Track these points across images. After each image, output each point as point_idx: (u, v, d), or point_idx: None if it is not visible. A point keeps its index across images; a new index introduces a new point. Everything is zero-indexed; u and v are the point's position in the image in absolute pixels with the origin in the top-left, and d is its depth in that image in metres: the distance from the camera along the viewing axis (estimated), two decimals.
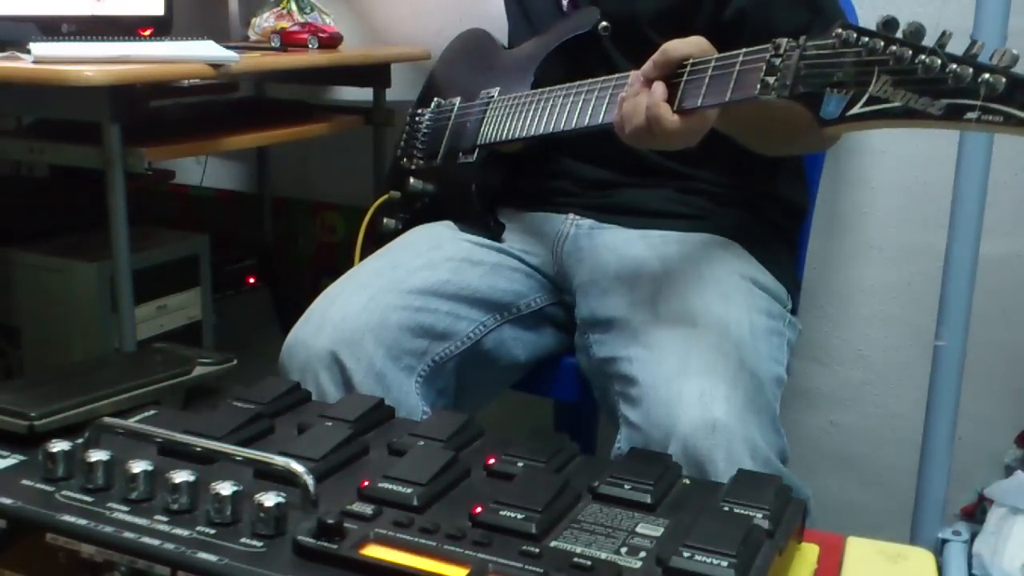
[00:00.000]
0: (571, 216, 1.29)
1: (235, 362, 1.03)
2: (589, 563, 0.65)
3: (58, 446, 0.76)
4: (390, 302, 1.16)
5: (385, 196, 1.44)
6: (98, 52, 1.37)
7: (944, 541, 1.44)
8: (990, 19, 1.27)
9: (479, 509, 0.71)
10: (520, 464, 0.81)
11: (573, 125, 1.12)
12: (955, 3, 1.46)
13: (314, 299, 1.19)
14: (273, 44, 1.69)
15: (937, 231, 1.42)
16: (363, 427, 0.88)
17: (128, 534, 0.68)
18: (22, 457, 0.80)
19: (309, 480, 0.72)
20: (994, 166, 1.34)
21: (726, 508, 0.74)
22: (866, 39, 0.78)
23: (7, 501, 0.72)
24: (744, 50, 0.91)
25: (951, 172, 1.36)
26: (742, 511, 0.73)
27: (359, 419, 0.89)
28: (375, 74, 1.82)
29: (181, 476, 0.71)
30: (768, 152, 1.20)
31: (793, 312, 1.26)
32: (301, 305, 1.19)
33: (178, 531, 0.68)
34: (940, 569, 1.13)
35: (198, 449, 0.77)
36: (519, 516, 0.70)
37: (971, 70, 0.72)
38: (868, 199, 1.62)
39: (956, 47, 0.75)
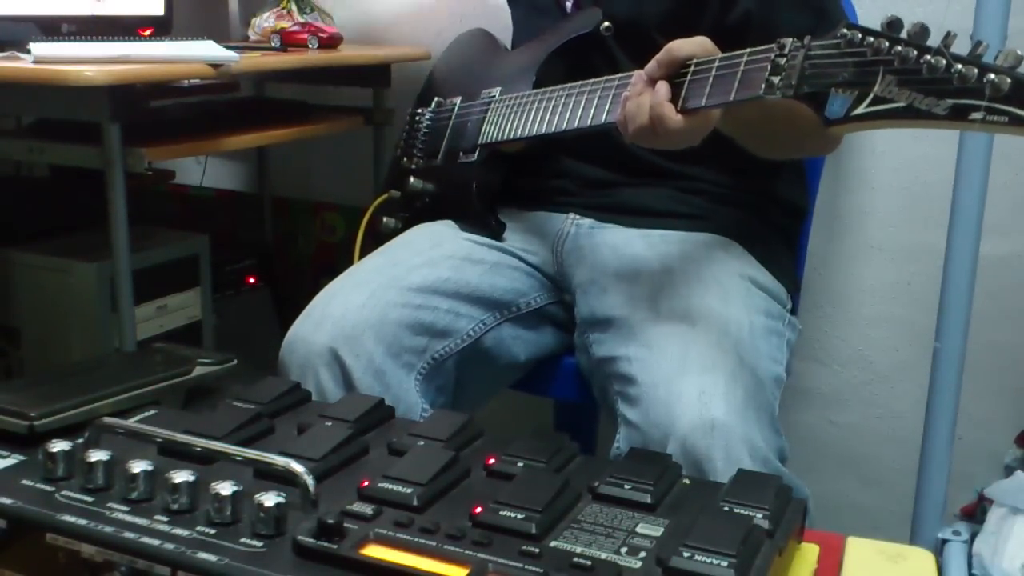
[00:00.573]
0: (571, 215, 1.29)
1: (235, 362, 1.02)
2: (589, 563, 0.65)
3: (58, 446, 0.76)
4: (390, 299, 1.16)
5: (385, 195, 1.44)
6: (98, 52, 1.37)
7: (944, 541, 1.43)
8: (990, 19, 1.27)
9: (479, 509, 0.71)
10: (520, 464, 0.81)
11: (575, 125, 1.12)
12: (955, 3, 1.46)
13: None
14: (273, 44, 1.68)
15: (937, 231, 1.42)
16: (363, 427, 0.88)
17: (128, 534, 0.68)
18: (22, 457, 0.80)
19: (309, 480, 0.72)
20: (994, 166, 1.33)
21: (726, 508, 0.74)
22: (871, 39, 0.78)
23: (7, 501, 0.72)
24: (748, 50, 0.91)
25: (951, 172, 1.36)
26: (742, 511, 0.73)
27: (359, 419, 0.89)
28: (375, 74, 1.82)
29: (181, 476, 0.71)
30: (772, 155, 1.20)
31: (793, 312, 1.26)
32: (301, 305, 1.19)
33: (178, 531, 0.68)
34: (940, 569, 1.13)
35: (198, 449, 0.77)
36: (519, 516, 0.70)
37: (976, 70, 0.72)
38: (868, 199, 1.62)
39: (959, 48, 0.75)
